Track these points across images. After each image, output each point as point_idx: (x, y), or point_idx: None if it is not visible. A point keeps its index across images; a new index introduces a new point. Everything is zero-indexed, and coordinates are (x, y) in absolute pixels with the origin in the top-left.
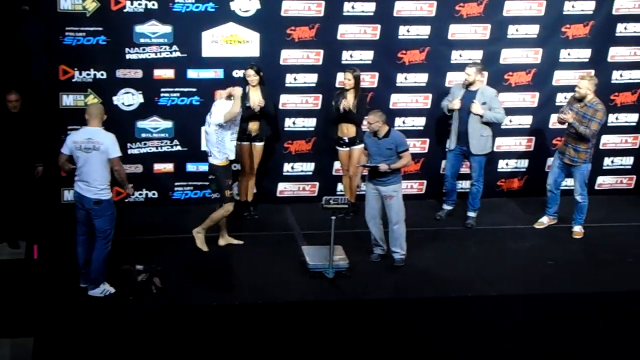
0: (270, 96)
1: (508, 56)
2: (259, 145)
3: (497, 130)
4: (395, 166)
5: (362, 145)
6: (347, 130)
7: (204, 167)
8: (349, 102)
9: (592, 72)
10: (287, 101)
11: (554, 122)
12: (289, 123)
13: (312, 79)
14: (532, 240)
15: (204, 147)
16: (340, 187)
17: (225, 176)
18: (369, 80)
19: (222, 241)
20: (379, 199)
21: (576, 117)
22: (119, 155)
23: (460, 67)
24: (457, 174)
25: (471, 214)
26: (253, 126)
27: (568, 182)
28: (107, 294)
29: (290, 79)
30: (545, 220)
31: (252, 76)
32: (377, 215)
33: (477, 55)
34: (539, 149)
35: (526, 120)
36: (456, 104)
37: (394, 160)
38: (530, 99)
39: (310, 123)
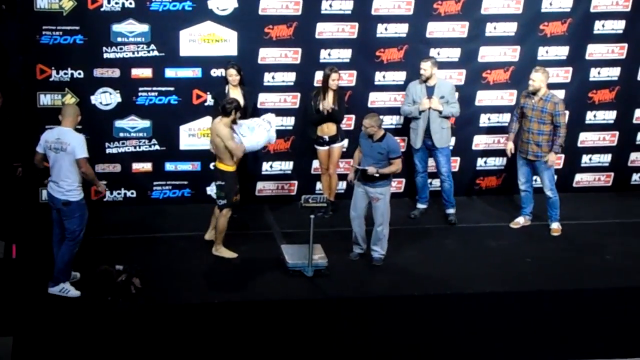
0: (249, 95)
1: (486, 54)
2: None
3: (475, 128)
4: (384, 172)
5: (342, 144)
6: (328, 129)
7: (182, 167)
8: (329, 102)
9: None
10: (265, 100)
11: None
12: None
13: (290, 77)
14: (510, 238)
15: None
16: (319, 185)
17: (234, 182)
18: (347, 78)
19: (208, 235)
20: (366, 199)
21: (534, 113)
22: (85, 157)
23: (439, 66)
24: (427, 169)
25: (451, 210)
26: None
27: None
28: (65, 294)
29: (268, 78)
30: (521, 221)
31: (233, 75)
32: (362, 214)
33: (455, 53)
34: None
35: (505, 119)
36: (426, 104)
37: (383, 165)
38: (509, 97)
39: (288, 122)
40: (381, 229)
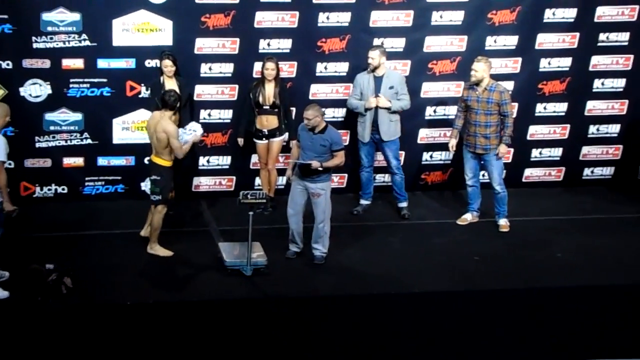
0: (185, 86)
1: (432, 44)
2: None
3: (420, 121)
4: (327, 165)
5: (282, 138)
6: (267, 122)
7: (115, 161)
8: (269, 93)
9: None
10: (202, 92)
11: None
12: (204, 115)
13: (228, 68)
14: (457, 236)
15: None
16: (258, 181)
17: (171, 178)
18: (288, 70)
19: (144, 232)
20: (305, 195)
21: (479, 105)
22: (1, 160)
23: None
24: (373, 164)
25: (403, 204)
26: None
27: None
28: None
29: (205, 69)
30: (468, 217)
31: (169, 66)
32: (300, 211)
33: (400, 43)
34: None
35: (451, 111)
36: (373, 102)
37: (326, 158)
38: (455, 89)
39: (226, 115)
40: (322, 225)
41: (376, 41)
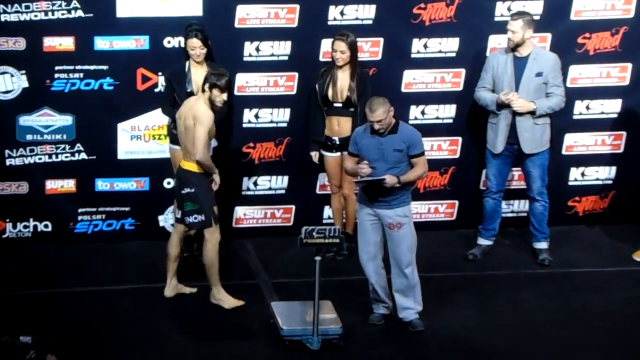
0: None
1: (584, 7)
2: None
3: (565, 122)
4: (408, 178)
5: None
6: (340, 126)
7: (122, 185)
8: (341, 85)
9: None
10: (245, 83)
11: None
12: (249, 116)
13: (283, 49)
14: (624, 290)
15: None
16: (328, 212)
17: (207, 187)
18: (370, 50)
19: (170, 290)
20: (380, 230)
21: None
22: None
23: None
24: (503, 188)
25: (542, 244)
26: None
27: None
28: None
29: (250, 50)
30: None
31: (197, 48)
32: (377, 253)
33: (536, 7)
34: (634, 149)
35: (612, 107)
36: (513, 97)
37: (403, 169)
38: (618, 74)
39: (281, 116)
40: (410, 270)
41: (499, 6)
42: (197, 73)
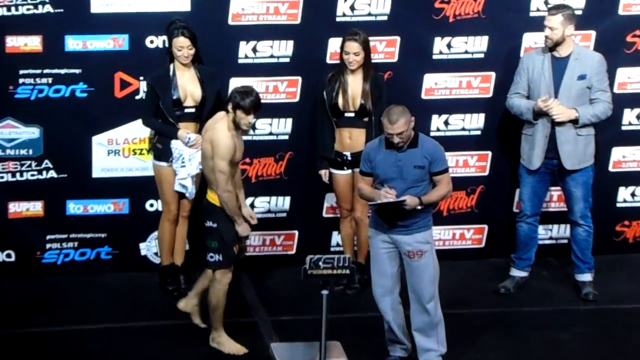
0: (212, 81)
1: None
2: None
3: (612, 134)
4: (430, 199)
5: None
6: (352, 139)
7: (97, 208)
8: (353, 92)
9: None
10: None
11: None
12: None
13: (284, 49)
14: None
15: (190, 172)
16: (336, 238)
17: (229, 222)
18: (385, 50)
19: (184, 304)
20: (397, 259)
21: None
22: None
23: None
24: (539, 211)
25: (586, 276)
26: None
27: None
28: None
29: (246, 51)
30: None
31: (185, 48)
32: (394, 287)
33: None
34: None
35: None
36: (552, 103)
37: (425, 189)
38: None
39: (282, 127)
40: (432, 306)
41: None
42: (184, 77)
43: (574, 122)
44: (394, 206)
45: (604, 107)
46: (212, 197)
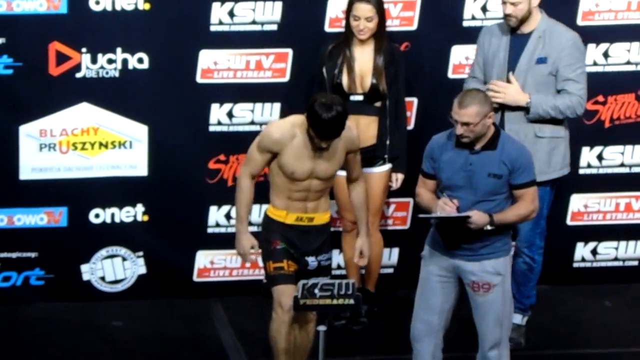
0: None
1: None
2: None
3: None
4: (505, 219)
5: (387, 167)
6: (359, 130)
7: (26, 220)
8: (362, 69)
9: None
10: (213, 66)
11: None
12: (218, 115)
13: (270, 13)
14: None
15: None
16: (337, 258)
17: (268, 234)
18: (401, 14)
19: None
20: (453, 292)
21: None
22: None
23: None
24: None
25: (516, 317)
26: None
27: None
28: None
29: (220, 15)
30: None
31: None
32: (440, 327)
33: None
34: None
35: None
36: (506, 88)
37: (500, 205)
38: None
39: (266, 114)
40: (496, 355)
41: None
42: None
43: (526, 111)
44: (457, 223)
45: (571, 101)
46: (270, 210)
